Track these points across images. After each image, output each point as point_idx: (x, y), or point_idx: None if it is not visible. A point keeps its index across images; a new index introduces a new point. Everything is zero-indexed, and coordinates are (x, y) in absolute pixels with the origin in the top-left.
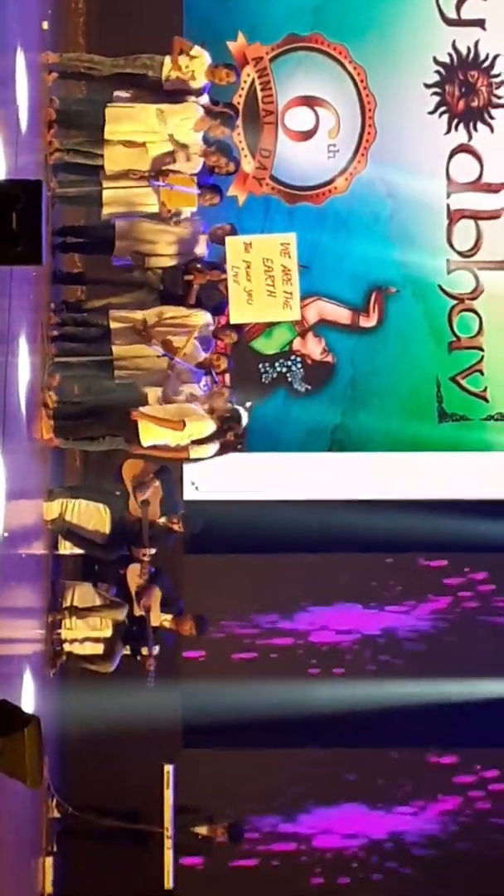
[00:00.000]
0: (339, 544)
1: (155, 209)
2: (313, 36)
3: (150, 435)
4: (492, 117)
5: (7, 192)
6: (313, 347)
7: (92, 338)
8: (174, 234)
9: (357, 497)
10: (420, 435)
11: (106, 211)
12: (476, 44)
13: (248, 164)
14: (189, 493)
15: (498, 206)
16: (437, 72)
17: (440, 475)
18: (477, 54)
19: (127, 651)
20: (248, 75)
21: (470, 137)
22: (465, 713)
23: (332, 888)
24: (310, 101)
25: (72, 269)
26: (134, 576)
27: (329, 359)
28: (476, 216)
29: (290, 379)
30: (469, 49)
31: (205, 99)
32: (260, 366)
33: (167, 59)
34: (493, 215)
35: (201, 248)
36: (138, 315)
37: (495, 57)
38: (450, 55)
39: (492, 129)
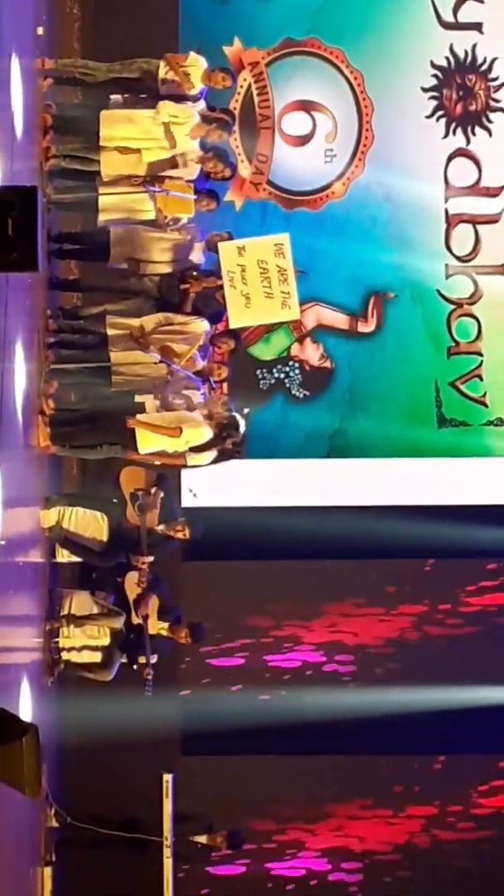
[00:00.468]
0: (337, 551)
1: (151, 215)
2: (310, 40)
3: (148, 442)
4: (490, 121)
5: (2, 199)
6: (311, 353)
7: (89, 345)
8: (170, 240)
9: (356, 503)
10: (419, 440)
11: (102, 217)
12: (473, 47)
13: (244, 170)
14: (187, 501)
15: (496, 211)
16: (435, 76)
17: (440, 481)
18: (474, 58)
19: (124, 660)
20: (245, 80)
21: (468, 141)
22: (469, 720)
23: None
24: (307, 106)
25: (68, 276)
26: (132, 584)
27: (327, 364)
28: (474, 220)
29: (288, 385)
30: (466, 53)
31: (201, 105)
32: (258, 372)
33: (163, 63)
34: (491, 219)
35: (197, 256)
36: (135, 322)
37: (493, 60)
38: (447, 59)
39: (490, 133)
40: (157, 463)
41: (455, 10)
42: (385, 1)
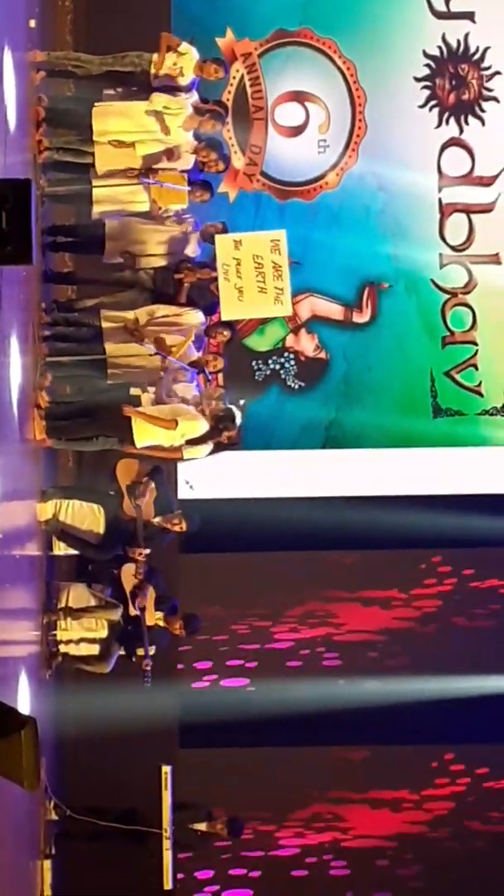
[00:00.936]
0: (334, 541)
1: (145, 207)
2: (302, 31)
3: (145, 436)
4: (483, 110)
5: None
6: (306, 344)
7: (83, 337)
8: (165, 233)
9: (352, 494)
10: (415, 430)
11: (96, 209)
12: (466, 37)
13: (238, 161)
14: (183, 492)
15: (490, 200)
16: (427, 65)
17: (435, 471)
18: (467, 47)
19: (122, 652)
20: (238, 71)
21: (461, 131)
22: (468, 709)
23: (334, 886)
24: (299, 97)
25: (62, 269)
26: (129, 576)
27: (322, 355)
28: (468, 210)
29: (283, 376)
30: (459, 42)
31: (194, 97)
32: (253, 363)
33: (155, 57)
34: (485, 209)
35: (192, 248)
36: (130, 314)
37: (485, 49)
38: (440, 48)
39: (483, 122)
40: (154, 456)
41: (447, 0)
42: None
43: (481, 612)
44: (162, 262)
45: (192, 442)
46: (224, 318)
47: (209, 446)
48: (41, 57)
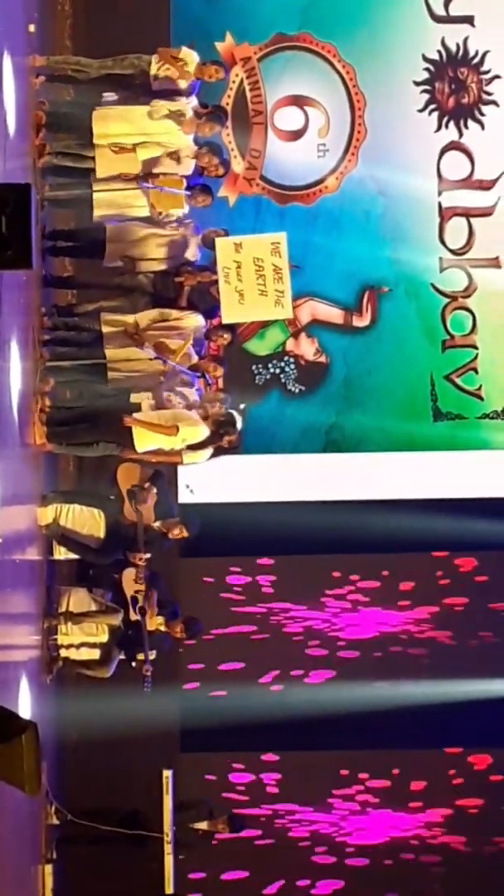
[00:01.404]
0: (334, 545)
1: (145, 212)
2: (301, 35)
3: (145, 441)
4: (482, 114)
5: None
6: (306, 348)
7: (84, 342)
8: (165, 237)
9: (352, 498)
10: (415, 434)
11: (96, 214)
12: (465, 40)
13: (237, 165)
14: (184, 496)
15: (490, 204)
16: (427, 69)
17: (436, 474)
18: (466, 51)
19: (123, 657)
20: (237, 75)
21: (461, 134)
22: (466, 713)
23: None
24: (299, 101)
25: (62, 273)
26: (129, 580)
27: (322, 359)
28: (468, 214)
29: (283, 380)
30: (458, 46)
31: (194, 101)
32: (253, 367)
33: (154, 59)
34: (485, 212)
35: (192, 252)
36: (130, 318)
37: (485, 53)
38: (439, 52)
39: (482, 126)
40: (154, 461)
41: (446, 4)
42: None
43: (483, 616)
44: (162, 266)
45: (193, 446)
46: (225, 320)
47: (210, 450)
48: (41, 61)
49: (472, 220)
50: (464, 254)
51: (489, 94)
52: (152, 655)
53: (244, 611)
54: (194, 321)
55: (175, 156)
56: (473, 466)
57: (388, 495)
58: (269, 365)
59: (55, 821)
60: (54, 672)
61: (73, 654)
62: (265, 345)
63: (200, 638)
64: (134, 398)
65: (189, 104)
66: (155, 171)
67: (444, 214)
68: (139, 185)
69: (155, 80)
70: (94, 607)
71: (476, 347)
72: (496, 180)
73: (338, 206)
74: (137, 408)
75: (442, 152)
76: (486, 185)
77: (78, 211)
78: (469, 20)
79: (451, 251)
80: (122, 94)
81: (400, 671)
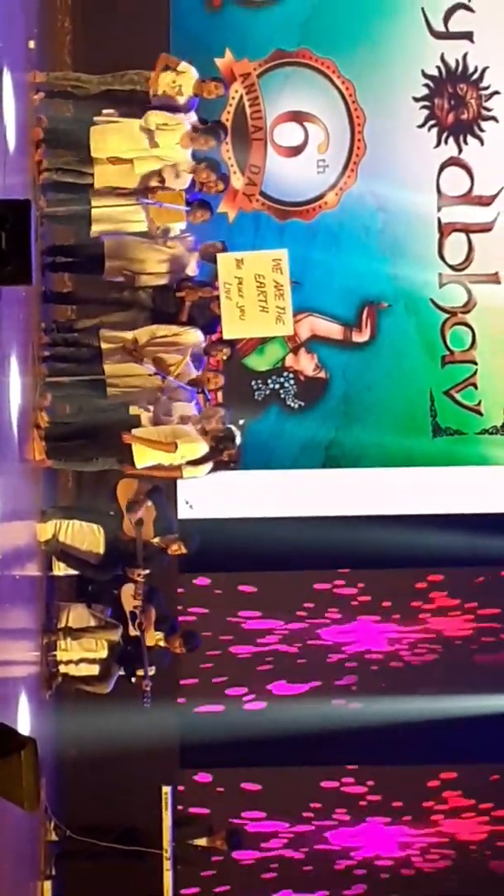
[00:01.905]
0: (333, 561)
1: (144, 227)
2: (301, 51)
3: (144, 457)
4: (482, 130)
5: None
6: (306, 363)
7: (83, 358)
8: (165, 252)
9: (352, 513)
10: (414, 450)
11: (94, 229)
12: (464, 56)
13: (237, 181)
14: (183, 512)
15: (489, 219)
16: (426, 85)
17: (435, 490)
18: (465, 67)
19: (122, 672)
20: (237, 91)
21: (460, 150)
22: (467, 729)
23: None
24: (298, 117)
25: (62, 289)
26: (128, 596)
27: (322, 375)
28: (467, 229)
29: (283, 395)
30: (458, 62)
31: (193, 117)
32: (252, 383)
33: (154, 74)
34: (484, 228)
35: (192, 267)
36: (129, 335)
37: (484, 69)
38: (438, 68)
39: (482, 142)
40: (154, 476)
41: (446, 20)
42: (376, 11)
43: (482, 632)
44: (161, 281)
45: (193, 461)
46: (225, 336)
47: (209, 465)
48: (41, 77)
49: (472, 235)
50: (463, 269)
51: (488, 109)
52: (151, 671)
53: (244, 626)
54: (193, 337)
55: (173, 170)
56: (472, 482)
57: (388, 511)
58: (269, 380)
59: (54, 837)
60: (53, 688)
61: (73, 670)
62: (265, 360)
63: (199, 653)
64: (133, 413)
65: (187, 119)
66: (152, 184)
67: (444, 230)
68: (139, 200)
69: (154, 97)
70: (93, 623)
71: (475, 363)
72: (495, 196)
73: (337, 221)
74: (136, 422)
75: (441, 168)
76: (486, 201)
77: (77, 227)
78: (468, 36)
79: (451, 267)
80: (121, 109)
81: (401, 686)
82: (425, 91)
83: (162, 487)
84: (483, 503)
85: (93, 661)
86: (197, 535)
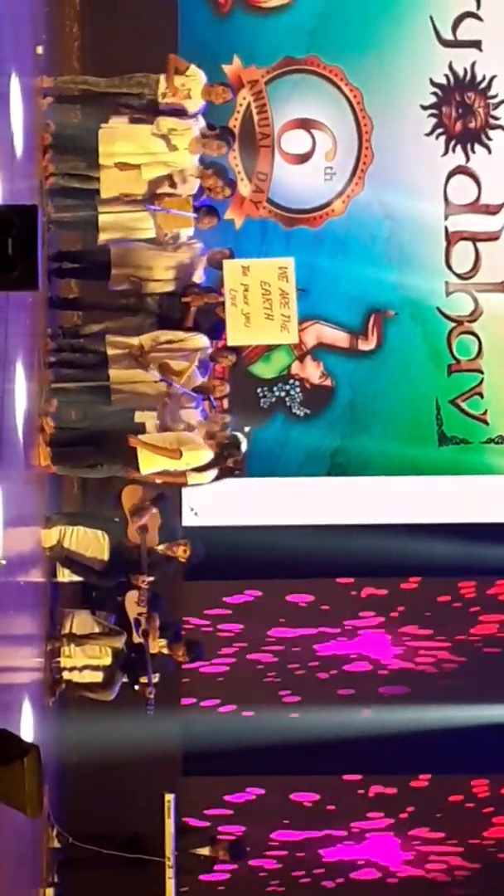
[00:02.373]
0: (338, 569)
1: (151, 234)
2: (309, 58)
3: (150, 463)
4: (489, 138)
5: (3, 218)
6: (312, 371)
7: (89, 364)
8: (172, 258)
9: (357, 522)
10: (420, 458)
11: (102, 236)
12: (473, 65)
13: (244, 188)
14: (188, 520)
15: (496, 228)
16: (434, 93)
17: (440, 499)
18: (474, 75)
19: (126, 680)
20: (244, 98)
21: (467, 159)
22: (471, 738)
23: None
24: (306, 124)
25: (68, 295)
26: (132, 603)
27: (328, 382)
28: (474, 238)
29: (288, 403)
30: (466, 70)
31: (201, 122)
32: (258, 390)
33: (162, 78)
34: (491, 237)
35: (198, 274)
36: (135, 341)
37: (492, 78)
38: (446, 77)
39: (489, 151)
40: (159, 482)
41: (454, 28)
42: (384, 19)
43: (489, 640)
44: (168, 288)
45: (197, 468)
46: (230, 343)
47: (214, 472)
48: (48, 83)
49: (479, 244)
50: (470, 278)
51: (496, 118)
52: (155, 678)
53: (247, 634)
54: (199, 343)
55: (181, 176)
56: (478, 491)
57: (393, 519)
58: (275, 388)
59: (56, 844)
60: (57, 694)
61: (76, 677)
62: (271, 368)
63: (203, 661)
64: (138, 419)
65: (196, 124)
66: (159, 191)
67: (451, 238)
68: (146, 207)
69: (163, 100)
70: (97, 629)
71: (481, 372)
72: (503, 205)
73: (344, 229)
74: (142, 428)
75: (449, 176)
76: (493, 210)
77: (84, 232)
78: (477, 45)
79: (458, 275)
80: (129, 114)
81: (403, 696)
82: (433, 99)
83: (167, 494)
84: (488, 512)
85: (96, 668)
86: (202, 543)
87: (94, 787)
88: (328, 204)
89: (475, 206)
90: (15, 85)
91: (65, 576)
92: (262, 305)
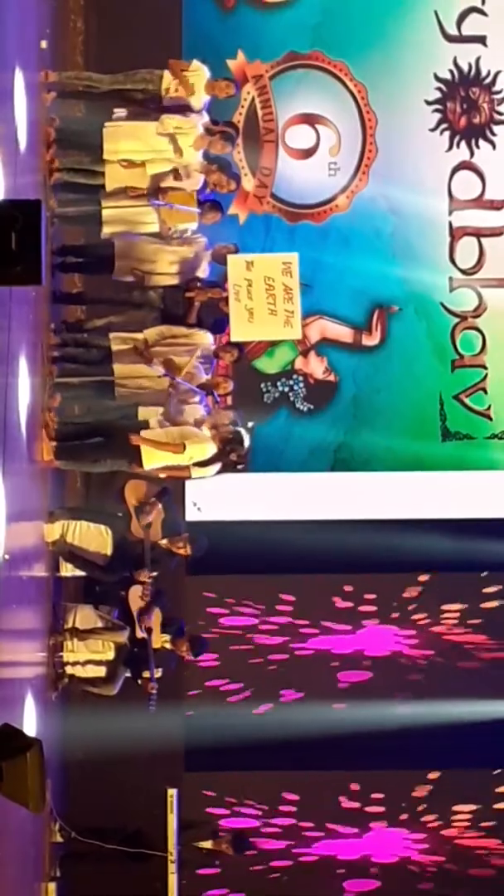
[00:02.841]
0: (341, 564)
1: (155, 228)
2: (313, 53)
3: (153, 458)
4: (493, 134)
5: (6, 213)
6: (315, 366)
7: (92, 359)
8: (176, 253)
9: (360, 517)
10: (423, 454)
11: (106, 229)
12: (477, 60)
13: (248, 183)
14: (191, 514)
15: (500, 223)
16: (439, 88)
17: (444, 494)
18: (478, 71)
19: (128, 674)
20: (248, 93)
21: (472, 154)
22: (470, 734)
23: None
24: (310, 119)
25: (72, 289)
26: (135, 598)
27: (331, 378)
28: (478, 233)
29: (292, 398)
30: (470, 65)
31: (205, 118)
32: (262, 385)
33: (166, 73)
34: (495, 232)
35: (203, 268)
36: (139, 336)
37: (497, 73)
38: (451, 72)
39: (494, 146)
40: (162, 476)
41: (459, 23)
42: (389, 14)
43: (488, 636)
44: (172, 282)
45: (201, 462)
46: (233, 339)
47: (218, 466)
48: (53, 77)
49: (483, 239)
50: (474, 273)
51: (501, 113)
52: (158, 673)
53: (250, 629)
54: (203, 338)
55: (185, 171)
56: (481, 486)
57: (396, 515)
58: (278, 383)
59: (59, 838)
60: (60, 689)
61: (79, 672)
62: (274, 363)
63: (205, 656)
64: (142, 414)
65: (200, 120)
66: (163, 185)
67: (455, 234)
68: (150, 202)
69: (166, 95)
70: (100, 624)
71: (485, 367)
72: None
73: (348, 224)
74: (145, 424)
75: (453, 172)
76: (497, 205)
77: (87, 227)
78: (482, 40)
79: (462, 271)
80: (133, 109)
81: (408, 690)
82: (438, 94)
83: (170, 489)
84: (492, 507)
85: (99, 663)
86: (205, 538)
87: (96, 782)
88: (332, 199)
89: (479, 202)
90: (19, 80)
91: (68, 570)
92: (265, 301)
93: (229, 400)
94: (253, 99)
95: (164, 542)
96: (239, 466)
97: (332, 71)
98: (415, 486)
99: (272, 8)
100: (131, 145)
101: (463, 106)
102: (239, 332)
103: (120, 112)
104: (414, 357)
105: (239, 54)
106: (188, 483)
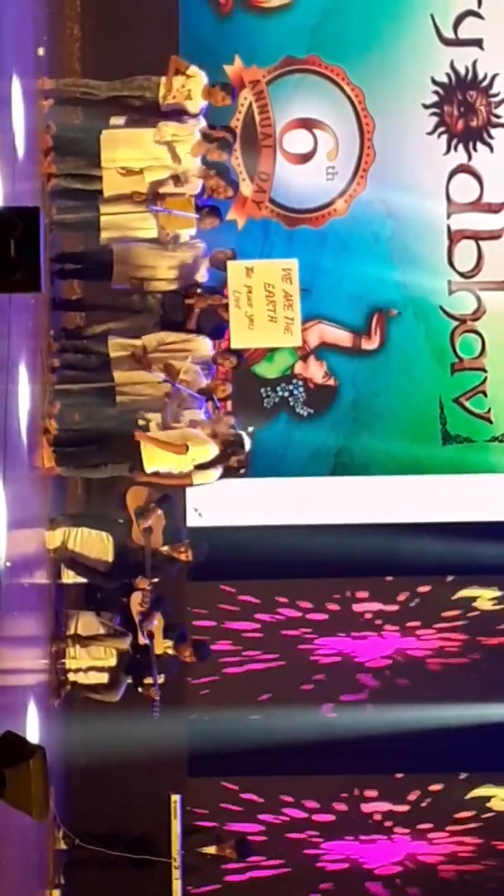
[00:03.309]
0: (342, 569)
1: (153, 233)
2: (310, 58)
3: (154, 461)
4: (491, 137)
5: (5, 220)
6: (315, 371)
7: (92, 366)
8: (174, 258)
9: (361, 521)
10: (424, 457)
11: (104, 236)
12: (474, 63)
13: (246, 188)
14: (192, 520)
15: (499, 227)
16: (436, 92)
17: (444, 498)
18: (475, 74)
19: (131, 681)
20: (246, 98)
21: (469, 157)
22: (476, 737)
23: None
24: (308, 124)
25: (71, 296)
26: (137, 604)
27: (331, 382)
28: (477, 236)
29: (292, 403)
30: (467, 69)
31: (202, 123)
32: (262, 390)
33: (163, 80)
34: (493, 235)
35: (202, 273)
36: (138, 342)
37: (494, 76)
38: (448, 75)
39: (491, 149)
40: (164, 483)
41: (455, 27)
42: (385, 18)
43: (492, 638)
44: (171, 287)
45: (202, 466)
46: (234, 345)
47: (218, 471)
48: (50, 84)
49: (481, 242)
50: (473, 276)
51: (498, 116)
52: (161, 679)
53: (252, 634)
54: (202, 344)
55: (183, 176)
56: (482, 490)
57: (397, 519)
58: (278, 388)
59: (63, 845)
60: (62, 696)
61: (81, 678)
62: (274, 368)
63: (209, 661)
64: (142, 420)
65: (197, 125)
66: (162, 191)
67: (453, 237)
68: (148, 208)
69: (164, 102)
70: (102, 631)
71: (485, 370)
72: None
73: (346, 228)
74: (146, 429)
75: (451, 175)
76: (495, 208)
77: (86, 234)
78: (478, 43)
79: (460, 274)
80: (130, 116)
81: (409, 695)
82: (435, 98)
83: (171, 495)
84: (492, 511)
85: (101, 670)
86: (206, 544)
87: (99, 789)
88: (330, 203)
89: (477, 205)
90: (16, 86)
91: (69, 577)
92: (265, 308)
93: (229, 405)
94: (250, 104)
95: (165, 548)
96: (241, 471)
97: (329, 75)
98: (415, 489)
99: (269, 13)
100: (129, 153)
101: (460, 109)
102: (239, 339)
103: (117, 120)
104: (413, 361)
105: (236, 59)
106: (189, 489)
